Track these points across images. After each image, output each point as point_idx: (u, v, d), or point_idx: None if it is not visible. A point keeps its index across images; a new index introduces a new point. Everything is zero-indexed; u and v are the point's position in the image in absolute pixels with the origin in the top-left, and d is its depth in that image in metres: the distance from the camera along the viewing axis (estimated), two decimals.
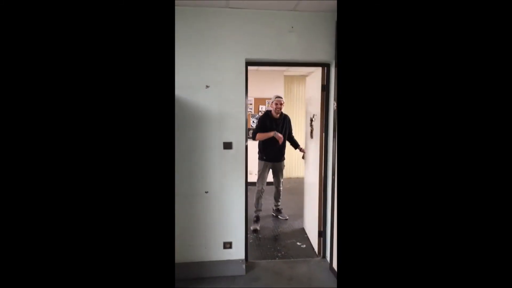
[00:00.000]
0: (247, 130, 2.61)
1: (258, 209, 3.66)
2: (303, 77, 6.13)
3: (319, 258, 2.89)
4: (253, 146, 3.71)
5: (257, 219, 3.65)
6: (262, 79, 5.35)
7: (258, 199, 3.66)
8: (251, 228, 3.50)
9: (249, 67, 2.59)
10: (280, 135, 3.47)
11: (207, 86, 2.46)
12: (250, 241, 3.23)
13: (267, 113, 3.62)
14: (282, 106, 3.55)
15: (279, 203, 3.95)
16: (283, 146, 3.64)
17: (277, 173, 3.77)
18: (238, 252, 2.63)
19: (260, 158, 3.70)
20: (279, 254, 3.00)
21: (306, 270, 2.68)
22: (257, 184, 3.69)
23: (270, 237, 3.40)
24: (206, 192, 2.54)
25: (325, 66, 2.69)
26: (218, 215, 2.57)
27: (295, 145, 3.83)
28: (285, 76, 5.82)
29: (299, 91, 6.21)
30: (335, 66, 2.49)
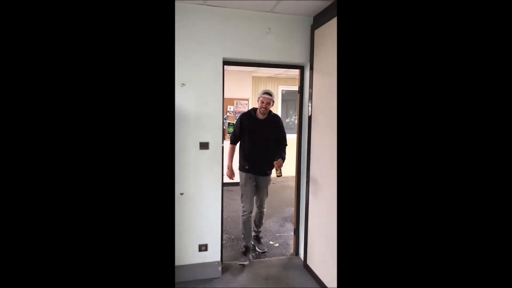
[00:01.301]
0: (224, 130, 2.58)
1: (247, 236, 2.86)
2: (271, 78, 6.22)
3: (292, 256, 2.95)
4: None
5: (246, 250, 2.83)
6: (230, 79, 5.31)
7: (245, 223, 2.82)
8: (238, 263, 2.73)
9: None
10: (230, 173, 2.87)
11: (183, 85, 2.39)
12: (224, 242, 3.19)
13: (250, 112, 2.82)
14: (269, 106, 2.71)
15: (260, 229, 3.14)
16: (271, 155, 2.78)
17: (261, 190, 2.92)
18: (213, 254, 2.58)
19: (241, 168, 2.85)
20: (253, 254, 3.00)
21: (281, 268, 2.72)
22: (242, 205, 2.82)
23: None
24: (181, 194, 2.46)
25: (299, 68, 2.76)
26: (194, 217, 2.51)
27: (279, 156, 2.72)
28: (253, 77, 5.85)
29: None
30: (310, 69, 2.56)
